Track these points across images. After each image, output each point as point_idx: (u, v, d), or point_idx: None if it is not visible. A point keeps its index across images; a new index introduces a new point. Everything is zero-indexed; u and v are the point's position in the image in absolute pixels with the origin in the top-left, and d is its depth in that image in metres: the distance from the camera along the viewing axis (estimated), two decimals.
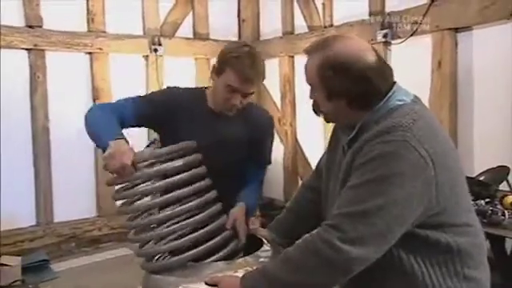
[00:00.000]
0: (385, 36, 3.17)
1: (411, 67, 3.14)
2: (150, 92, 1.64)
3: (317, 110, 1.18)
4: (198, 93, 1.61)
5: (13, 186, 3.36)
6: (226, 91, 1.47)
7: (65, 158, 3.59)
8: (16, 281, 2.72)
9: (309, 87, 1.17)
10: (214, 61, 4.29)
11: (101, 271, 3.21)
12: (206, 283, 1.09)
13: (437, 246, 1.04)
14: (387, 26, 3.18)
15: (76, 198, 3.67)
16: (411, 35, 3.03)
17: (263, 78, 1.51)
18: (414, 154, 0.98)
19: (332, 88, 1.10)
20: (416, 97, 1.15)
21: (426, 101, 3.00)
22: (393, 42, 3.20)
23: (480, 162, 2.69)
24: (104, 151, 1.26)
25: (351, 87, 1.07)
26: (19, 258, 3.01)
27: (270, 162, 1.72)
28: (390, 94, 1.09)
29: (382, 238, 0.99)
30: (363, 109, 1.10)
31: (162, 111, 1.49)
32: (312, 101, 1.18)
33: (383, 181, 0.98)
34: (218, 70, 1.49)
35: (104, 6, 3.73)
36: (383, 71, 1.11)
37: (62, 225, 3.59)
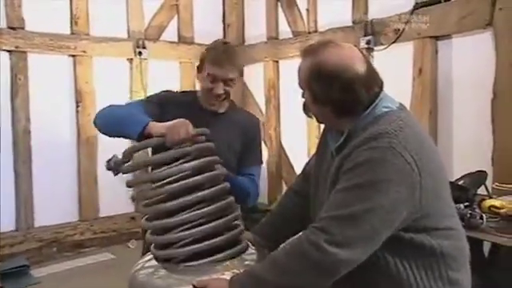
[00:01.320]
0: (368, 43, 3.23)
1: (393, 74, 3.17)
2: (146, 96, 1.73)
3: (306, 110, 1.22)
4: (191, 94, 1.73)
5: None
6: (208, 82, 1.57)
7: (46, 161, 3.55)
8: None
9: (295, 89, 1.21)
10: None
11: (83, 276, 3.17)
12: (194, 286, 1.09)
13: (421, 248, 1.07)
14: (370, 32, 3.24)
15: (58, 202, 3.62)
16: (393, 42, 3.10)
17: (239, 65, 1.63)
18: (400, 159, 1.02)
19: (317, 94, 1.13)
20: (401, 104, 1.19)
21: (407, 107, 3.07)
22: (375, 48, 3.26)
23: (459, 167, 2.75)
24: (136, 136, 1.33)
25: (335, 96, 1.10)
26: None
27: (261, 162, 1.79)
28: (376, 101, 1.12)
29: (369, 240, 1.01)
30: (347, 116, 1.13)
31: (163, 111, 1.55)
32: (303, 100, 1.21)
33: (370, 186, 1.01)
34: (199, 68, 1.63)
35: (88, 9, 3.70)
36: (372, 80, 1.13)
37: (42, 229, 3.53)
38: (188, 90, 1.82)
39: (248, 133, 1.71)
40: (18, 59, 3.43)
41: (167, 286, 1.14)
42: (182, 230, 1.20)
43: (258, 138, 1.77)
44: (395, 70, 3.17)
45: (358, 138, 1.09)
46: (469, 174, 2.40)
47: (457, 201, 2.04)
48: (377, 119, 1.10)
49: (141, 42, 3.93)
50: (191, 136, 1.29)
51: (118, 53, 3.85)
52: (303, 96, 1.20)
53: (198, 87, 1.77)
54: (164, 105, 1.60)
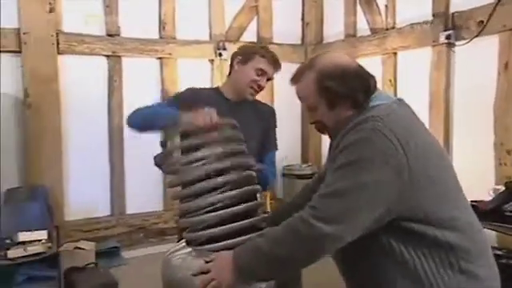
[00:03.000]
0: (448, 37, 3.06)
1: (476, 69, 3.02)
2: (174, 95, 1.96)
3: (323, 128, 1.25)
4: (213, 88, 1.98)
5: (92, 180, 3.74)
6: (255, 74, 1.80)
7: (137, 155, 3.88)
8: (90, 263, 3.03)
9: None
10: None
11: None
12: (205, 261, 1.20)
13: (424, 237, 1.07)
14: (451, 26, 3.08)
15: (146, 192, 3.96)
16: (476, 36, 2.91)
17: (281, 67, 1.85)
18: (385, 140, 1.04)
19: (335, 95, 1.17)
20: (400, 100, 1.21)
21: (491, 105, 2.87)
22: (457, 43, 3.08)
23: None
24: (166, 130, 1.44)
25: (354, 85, 1.16)
26: (94, 243, 3.34)
27: (276, 148, 1.97)
28: (371, 98, 1.18)
29: (353, 217, 1.04)
30: (361, 106, 1.17)
31: (189, 105, 1.60)
32: (314, 122, 1.25)
33: (354, 164, 1.05)
34: (244, 60, 1.82)
35: (175, 14, 4.00)
36: (368, 73, 1.21)
37: (132, 216, 3.91)
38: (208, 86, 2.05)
39: (267, 120, 1.92)
40: (114, 63, 3.82)
41: (189, 268, 1.22)
42: (206, 212, 1.26)
43: (275, 124, 1.96)
44: (478, 66, 2.99)
45: (348, 126, 1.14)
46: None
47: None
48: (367, 111, 1.15)
49: (221, 44, 4.14)
50: (215, 123, 1.37)
51: (200, 54, 4.10)
52: (313, 118, 1.24)
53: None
54: (190, 100, 1.70)
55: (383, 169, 1.03)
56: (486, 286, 1.12)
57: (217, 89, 1.94)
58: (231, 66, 1.88)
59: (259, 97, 1.96)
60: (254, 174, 1.41)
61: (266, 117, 1.93)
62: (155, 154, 1.50)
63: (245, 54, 1.82)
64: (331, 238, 1.04)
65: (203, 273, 1.17)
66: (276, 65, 1.82)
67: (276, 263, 1.10)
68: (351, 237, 1.06)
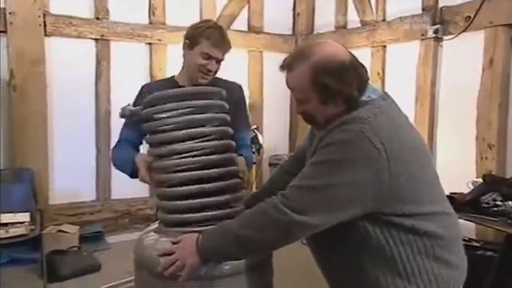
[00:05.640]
0: (436, 32, 3.09)
1: (462, 64, 3.05)
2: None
3: (312, 120, 1.21)
4: (168, 79, 1.86)
5: (78, 164, 3.72)
6: (202, 59, 1.69)
7: None
8: (73, 246, 3.04)
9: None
10: (266, 54, 4.39)
11: None
12: (172, 242, 1.21)
13: (401, 226, 1.09)
14: (439, 21, 3.10)
15: None
16: (463, 31, 2.94)
17: (230, 47, 1.74)
18: (369, 144, 1.04)
19: (330, 92, 1.12)
20: (385, 93, 1.20)
21: (474, 100, 2.91)
22: (444, 37, 3.11)
23: None
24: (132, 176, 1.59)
25: (350, 82, 1.12)
26: (77, 227, 3.34)
27: (250, 125, 1.87)
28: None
29: (325, 212, 1.06)
30: (353, 102, 1.14)
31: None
32: (302, 113, 1.20)
33: (335, 163, 1.06)
34: (191, 44, 1.71)
35: (164, 0, 3.96)
36: (361, 64, 1.17)
37: (118, 202, 3.90)
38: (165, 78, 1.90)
39: (232, 97, 1.71)
40: (103, 47, 3.78)
41: (157, 249, 1.24)
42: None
43: (243, 101, 1.87)
44: (464, 61, 3.02)
45: (335, 122, 1.12)
46: None
47: (507, 198, 1.97)
48: (355, 107, 1.13)
49: None
50: (147, 179, 1.42)
51: None
52: (301, 109, 1.19)
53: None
54: (143, 99, 1.65)
55: (364, 172, 1.03)
56: (455, 272, 1.16)
57: (172, 78, 1.83)
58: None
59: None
60: (232, 142, 1.41)
61: (231, 92, 1.72)
62: (123, 106, 1.48)
63: (191, 38, 1.71)
64: (301, 225, 1.06)
65: (169, 254, 1.18)
66: (222, 47, 1.69)
67: (243, 244, 1.12)
68: (322, 227, 1.07)
